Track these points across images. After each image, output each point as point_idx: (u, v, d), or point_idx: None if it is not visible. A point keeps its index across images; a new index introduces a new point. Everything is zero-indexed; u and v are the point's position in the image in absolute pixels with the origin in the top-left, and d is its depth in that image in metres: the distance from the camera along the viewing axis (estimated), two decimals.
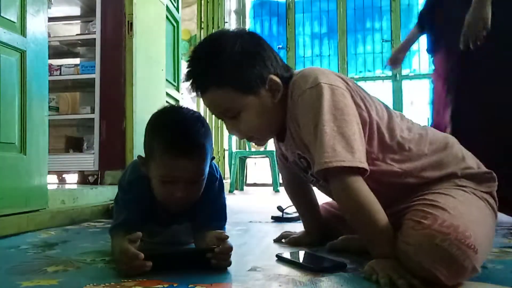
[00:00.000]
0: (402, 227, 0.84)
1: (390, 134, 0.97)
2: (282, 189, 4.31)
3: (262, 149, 4.56)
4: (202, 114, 1.11)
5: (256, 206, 2.65)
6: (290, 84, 1.01)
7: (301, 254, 1.04)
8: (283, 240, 1.30)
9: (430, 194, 0.90)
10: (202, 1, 4.87)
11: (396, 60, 2.11)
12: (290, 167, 1.18)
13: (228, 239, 0.92)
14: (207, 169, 1.03)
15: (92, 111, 2.65)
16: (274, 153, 4.26)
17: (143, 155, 1.06)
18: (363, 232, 0.90)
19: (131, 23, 2.53)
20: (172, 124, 0.99)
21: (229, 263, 0.92)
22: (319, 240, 1.23)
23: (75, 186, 2.64)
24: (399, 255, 0.81)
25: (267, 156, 4.36)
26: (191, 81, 1.00)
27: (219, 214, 1.14)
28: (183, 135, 0.96)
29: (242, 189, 4.55)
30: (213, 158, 1.08)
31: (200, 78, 0.99)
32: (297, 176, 1.18)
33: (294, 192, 1.32)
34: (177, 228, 1.15)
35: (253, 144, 4.74)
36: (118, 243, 0.97)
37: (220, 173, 1.15)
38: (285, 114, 1.03)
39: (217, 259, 0.90)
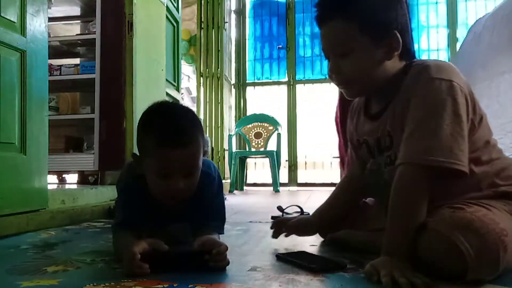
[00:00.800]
0: (437, 212, 0.86)
1: (482, 139, 0.96)
2: (282, 189, 4.31)
3: (262, 149, 4.56)
4: (200, 114, 1.12)
5: (256, 206, 2.65)
6: (415, 64, 0.97)
7: (301, 254, 1.04)
8: (283, 230, 1.25)
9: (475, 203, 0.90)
10: (202, 1, 4.87)
11: None
12: (356, 151, 1.15)
13: (225, 240, 0.93)
14: (201, 160, 1.04)
15: (92, 111, 2.65)
16: (275, 153, 4.28)
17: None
18: (397, 226, 0.88)
19: (131, 23, 2.53)
20: (163, 117, 1.01)
21: (228, 263, 0.92)
22: (317, 231, 1.25)
23: (75, 186, 2.64)
24: (421, 238, 0.83)
25: (267, 156, 4.36)
26: (318, 6, 1.01)
27: (217, 214, 1.15)
28: (175, 126, 0.98)
29: (242, 189, 4.55)
30: (205, 152, 1.09)
31: (329, 5, 0.99)
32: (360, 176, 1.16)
33: (349, 187, 1.26)
34: (176, 227, 1.15)
35: (253, 144, 4.71)
36: (123, 242, 0.98)
37: (218, 173, 1.16)
38: (391, 84, 0.98)
39: (214, 260, 0.90)
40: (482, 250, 0.75)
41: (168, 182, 0.99)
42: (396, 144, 0.95)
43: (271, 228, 1.28)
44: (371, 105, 1.09)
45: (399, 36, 0.95)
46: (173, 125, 0.98)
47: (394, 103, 0.98)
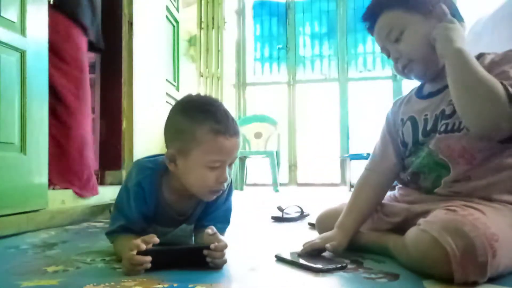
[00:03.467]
0: (432, 213, 0.87)
1: None
2: (282, 189, 4.31)
3: (262, 149, 4.56)
4: None
5: (256, 206, 2.65)
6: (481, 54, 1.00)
7: (301, 254, 1.04)
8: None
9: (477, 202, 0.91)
10: (202, 1, 4.87)
11: None
12: (393, 138, 1.15)
13: (224, 238, 0.93)
14: None
15: (92, 111, 2.64)
16: (275, 153, 4.28)
17: (147, 153, 1.05)
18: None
19: (131, 23, 2.53)
20: (211, 107, 0.99)
21: (225, 261, 0.92)
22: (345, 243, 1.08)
23: None
24: (412, 238, 0.85)
25: (267, 156, 4.36)
26: (364, 18, 1.11)
27: (226, 217, 1.15)
28: (227, 115, 0.98)
29: (242, 189, 4.55)
30: None
31: (372, 10, 1.08)
32: (385, 173, 1.15)
33: (369, 187, 1.16)
34: (181, 230, 1.15)
35: (253, 144, 4.70)
36: (123, 243, 0.98)
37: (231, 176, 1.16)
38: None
39: (212, 256, 0.90)
40: (468, 252, 0.75)
41: (217, 173, 0.98)
42: None
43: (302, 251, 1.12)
44: (423, 90, 1.12)
45: (444, 6, 0.98)
46: (223, 113, 0.98)
47: None
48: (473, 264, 0.75)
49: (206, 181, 0.99)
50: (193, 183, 1.01)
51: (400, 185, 1.18)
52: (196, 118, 0.97)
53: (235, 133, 0.98)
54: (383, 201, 1.16)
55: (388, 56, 1.09)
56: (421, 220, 0.87)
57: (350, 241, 1.09)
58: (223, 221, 1.15)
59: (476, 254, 0.75)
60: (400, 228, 1.06)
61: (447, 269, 0.77)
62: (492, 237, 0.77)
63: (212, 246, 0.90)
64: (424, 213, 0.97)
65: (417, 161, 1.07)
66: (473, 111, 0.87)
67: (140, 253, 0.86)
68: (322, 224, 1.31)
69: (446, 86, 0.98)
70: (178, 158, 1.00)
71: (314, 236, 1.35)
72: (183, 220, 1.13)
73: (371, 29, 1.11)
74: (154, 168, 1.06)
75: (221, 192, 1.05)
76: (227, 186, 1.11)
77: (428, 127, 1.04)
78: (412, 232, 0.88)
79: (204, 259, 0.91)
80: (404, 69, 1.05)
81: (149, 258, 0.86)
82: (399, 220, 1.07)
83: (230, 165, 1.02)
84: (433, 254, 0.79)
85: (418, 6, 1.01)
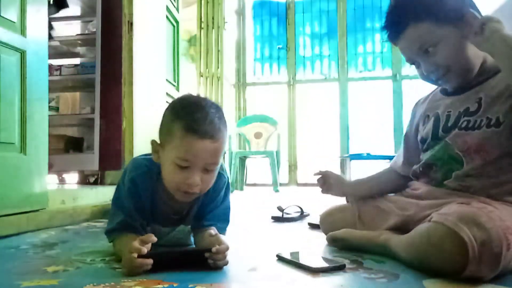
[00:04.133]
0: (444, 207, 0.90)
1: None
2: (282, 189, 4.31)
3: (262, 149, 4.56)
4: None
5: (256, 206, 2.65)
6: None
7: (301, 254, 1.04)
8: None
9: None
10: (202, 1, 4.87)
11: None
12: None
13: (225, 239, 0.93)
14: (221, 159, 1.03)
15: (92, 111, 2.65)
16: (275, 153, 4.28)
17: (144, 150, 1.05)
18: None
19: (131, 23, 2.53)
20: (195, 106, 0.98)
21: (226, 262, 0.92)
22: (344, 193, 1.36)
23: (75, 186, 2.64)
24: (423, 231, 0.86)
25: (267, 156, 4.36)
26: (387, 27, 1.08)
27: (225, 216, 1.15)
28: (207, 117, 0.96)
29: (242, 189, 4.55)
30: (224, 152, 1.08)
31: (398, 20, 1.04)
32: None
33: (387, 174, 1.32)
34: (180, 230, 1.15)
35: (253, 144, 4.68)
36: (123, 243, 0.98)
37: (227, 175, 1.16)
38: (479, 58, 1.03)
39: (214, 259, 0.90)
40: (486, 243, 0.76)
41: (186, 174, 0.97)
42: (484, 109, 1.00)
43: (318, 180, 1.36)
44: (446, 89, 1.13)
45: (474, 12, 0.98)
46: (204, 114, 0.96)
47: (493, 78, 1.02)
48: (488, 255, 0.76)
49: (173, 178, 0.99)
50: (165, 177, 1.02)
51: (411, 181, 1.20)
52: (177, 114, 0.99)
53: (210, 136, 0.95)
54: (394, 197, 1.19)
55: (417, 66, 1.08)
56: (433, 214, 0.88)
57: (349, 242, 1.10)
58: (223, 220, 1.15)
59: (492, 245, 0.75)
60: (399, 228, 1.06)
61: (460, 260, 0.76)
62: (507, 230, 0.78)
63: (214, 249, 0.90)
64: (434, 207, 0.99)
65: (431, 153, 1.09)
66: None
67: (141, 256, 0.86)
68: (326, 222, 1.31)
69: (473, 85, 1.02)
70: (159, 150, 1.01)
71: (314, 236, 1.36)
72: (179, 219, 1.12)
73: (394, 40, 1.08)
74: (149, 166, 1.06)
75: (194, 196, 1.03)
76: (224, 185, 1.11)
77: (450, 123, 1.07)
78: (423, 226, 0.88)
79: (205, 261, 0.91)
80: (441, 77, 1.05)
81: (150, 261, 0.86)
82: (410, 213, 1.08)
83: (207, 171, 0.99)
84: (448, 246, 0.79)
85: (448, 17, 0.99)
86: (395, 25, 1.06)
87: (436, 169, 1.08)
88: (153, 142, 1.03)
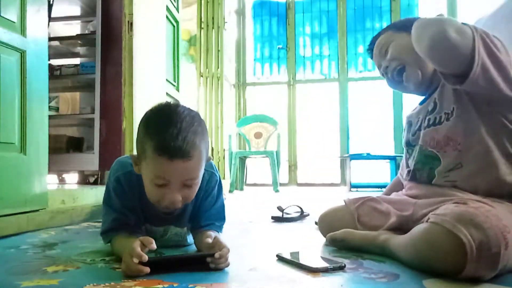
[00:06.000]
0: (441, 207, 0.91)
1: None
2: (282, 189, 4.31)
3: (262, 149, 4.56)
4: (201, 114, 1.10)
5: (256, 206, 2.65)
6: None
7: (301, 254, 1.04)
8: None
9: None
10: (202, 1, 4.87)
11: None
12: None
13: (225, 241, 0.93)
14: (202, 171, 0.99)
15: (92, 111, 2.64)
16: (275, 153, 4.28)
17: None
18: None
19: (131, 23, 2.53)
20: (166, 123, 0.92)
21: (228, 265, 0.93)
22: None
23: (75, 186, 2.64)
24: (421, 232, 0.86)
25: (267, 156, 4.36)
26: (371, 41, 1.32)
27: (221, 214, 1.15)
28: (178, 135, 0.90)
29: (242, 189, 4.55)
30: (210, 158, 1.04)
31: (376, 37, 1.29)
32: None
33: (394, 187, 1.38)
34: (176, 232, 1.15)
35: (253, 144, 4.71)
36: (121, 243, 0.98)
37: (218, 173, 1.16)
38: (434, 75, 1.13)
39: (216, 263, 0.90)
40: (484, 243, 0.75)
41: (164, 191, 0.94)
42: (440, 106, 1.10)
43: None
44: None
45: None
46: (175, 133, 0.90)
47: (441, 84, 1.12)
48: (486, 256, 0.76)
49: (153, 195, 0.98)
50: (146, 192, 1.00)
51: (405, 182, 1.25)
52: (149, 131, 0.95)
53: (181, 155, 0.89)
54: (392, 198, 1.22)
55: (385, 72, 1.23)
56: (430, 214, 0.89)
57: (349, 242, 1.11)
58: (220, 219, 1.15)
59: (490, 245, 0.75)
60: (398, 228, 1.07)
61: (459, 261, 0.76)
62: (505, 229, 0.78)
63: (216, 255, 0.89)
64: (431, 205, 1.01)
65: (412, 159, 1.17)
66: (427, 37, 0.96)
67: (144, 264, 0.84)
68: (324, 223, 1.31)
69: (433, 91, 1.14)
70: (139, 163, 0.99)
71: (313, 236, 1.35)
72: (171, 219, 1.11)
73: (371, 53, 1.32)
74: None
75: (175, 210, 1.02)
76: (216, 183, 1.12)
77: (416, 127, 1.18)
78: (421, 227, 0.89)
79: (207, 265, 0.91)
80: (399, 73, 1.16)
81: (147, 270, 0.84)
82: (408, 213, 1.11)
83: (187, 186, 0.96)
84: (446, 247, 0.79)
85: (405, 26, 1.15)
86: (371, 43, 1.31)
87: (421, 172, 1.14)
88: (132, 156, 1.02)
